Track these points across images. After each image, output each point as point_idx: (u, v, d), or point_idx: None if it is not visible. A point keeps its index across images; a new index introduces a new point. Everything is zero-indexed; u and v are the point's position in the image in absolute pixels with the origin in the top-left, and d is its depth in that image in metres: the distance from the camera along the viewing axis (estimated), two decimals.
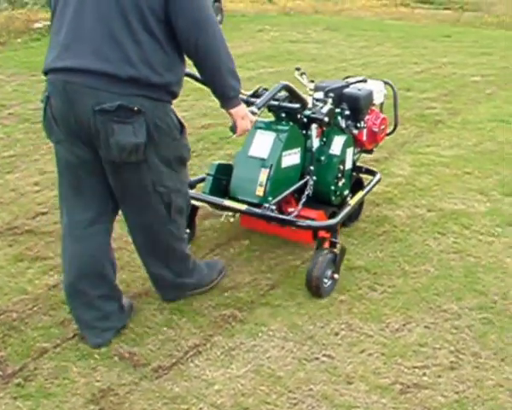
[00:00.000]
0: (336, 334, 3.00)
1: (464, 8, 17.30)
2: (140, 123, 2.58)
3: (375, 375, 2.73)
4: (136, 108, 2.56)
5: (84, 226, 2.82)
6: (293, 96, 3.41)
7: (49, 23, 11.16)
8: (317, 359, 2.83)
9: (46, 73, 2.68)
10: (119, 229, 3.55)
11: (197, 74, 2.92)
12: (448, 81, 8.43)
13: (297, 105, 3.46)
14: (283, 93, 3.44)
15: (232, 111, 2.87)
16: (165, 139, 2.72)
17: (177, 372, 2.73)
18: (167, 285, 3.17)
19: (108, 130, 2.55)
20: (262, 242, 3.83)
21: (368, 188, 4.01)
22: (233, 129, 2.94)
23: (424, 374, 2.75)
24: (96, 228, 2.84)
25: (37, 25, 10.96)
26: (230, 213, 3.64)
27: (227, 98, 2.83)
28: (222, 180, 3.60)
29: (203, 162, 5.10)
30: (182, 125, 2.84)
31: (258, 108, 3.06)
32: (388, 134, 4.28)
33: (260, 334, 2.99)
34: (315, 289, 3.27)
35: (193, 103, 6.80)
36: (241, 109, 2.89)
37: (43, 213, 4.22)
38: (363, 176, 4.21)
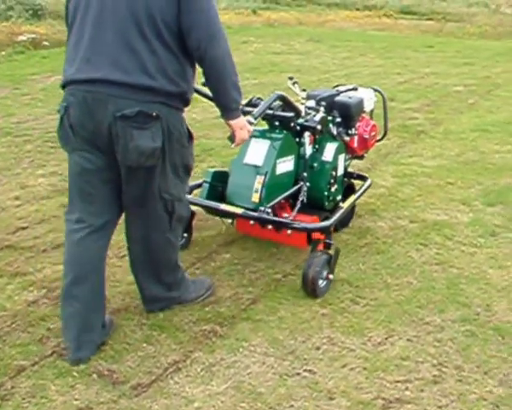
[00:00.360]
0: (318, 348, 2.97)
1: (447, 19, 17.51)
2: (157, 128, 2.69)
3: (357, 390, 2.70)
4: (154, 114, 2.67)
5: (90, 232, 2.85)
6: (287, 105, 3.47)
7: (33, 36, 11.16)
8: (298, 374, 2.79)
9: (64, 85, 2.76)
10: None
11: (202, 90, 3.08)
12: (431, 91, 8.49)
13: (291, 114, 3.52)
14: (277, 102, 3.49)
15: (232, 122, 2.93)
16: (176, 146, 2.82)
17: (156, 390, 2.69)
18: (155, 299, 3.19)
19: (127, 135, 2.64)
20: (243, 255, 3.81)
21: (359, 192, 4.08)
22: (231, 139, 3.00)
23: (407, 388, 2.72)
24: (101, 234, 2.90)
25: (21, 38, 10.92)
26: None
27: (229, 110, 2.91)
28: (218, 187, 3.67)
29: None
30: (190, 134, 2.94)
31: (255, 118, 3.13)
32: (378, 140, 4.36)
33: (241, 349, 2.95)
34: (311, 290, 3.32)
35: None
36: (240, 121, 2.96)
37: (24, 228, 4.16)
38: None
